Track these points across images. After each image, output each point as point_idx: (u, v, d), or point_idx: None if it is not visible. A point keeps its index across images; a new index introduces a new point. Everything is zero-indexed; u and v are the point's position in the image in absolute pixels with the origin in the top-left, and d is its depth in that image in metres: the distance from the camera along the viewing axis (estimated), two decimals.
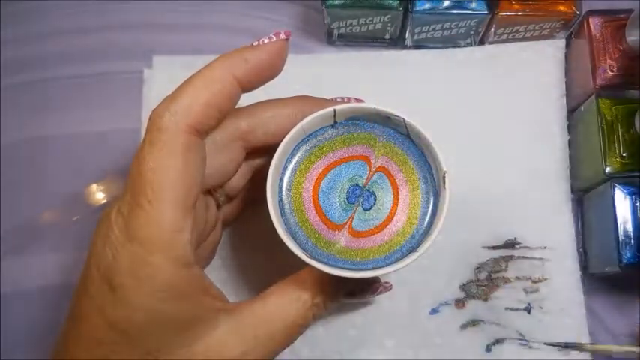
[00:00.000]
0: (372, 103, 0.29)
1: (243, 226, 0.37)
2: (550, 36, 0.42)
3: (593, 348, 0.36)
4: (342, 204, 0.29)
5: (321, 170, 0.30)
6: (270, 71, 0.27)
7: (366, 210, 0.29)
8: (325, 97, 0.32)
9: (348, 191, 0.29)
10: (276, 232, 0.27)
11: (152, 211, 0.23)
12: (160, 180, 0.23)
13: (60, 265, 0.40)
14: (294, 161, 0.30)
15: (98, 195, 0.41)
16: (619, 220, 0.35)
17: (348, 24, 0.41)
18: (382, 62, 0.42)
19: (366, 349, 0.37)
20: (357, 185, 0.29)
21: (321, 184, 0.30)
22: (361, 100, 0.33)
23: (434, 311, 0.37)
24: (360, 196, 0.29)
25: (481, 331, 0.37)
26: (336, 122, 0.30)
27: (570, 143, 0.40)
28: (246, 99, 0.28)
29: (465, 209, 0.38)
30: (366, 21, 0.40)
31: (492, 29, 0.41)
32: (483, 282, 0.38)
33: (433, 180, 0.29)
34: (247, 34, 0.43)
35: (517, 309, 0.37)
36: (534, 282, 0.38)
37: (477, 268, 0.38)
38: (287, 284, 0.28)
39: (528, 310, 0.37)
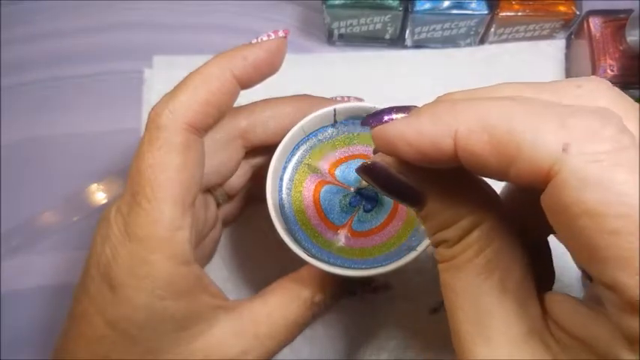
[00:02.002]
0: (372, 102, 0.29)
1: (243, 225, 0.37)
2: (550, 36, 0.42)
3: None
4: (342, 205, 0.29)
5: (325, 172, 0.30)
6: (268, 69, 0.27)
7: (367, 211, 0.29)
8: (325, 96, 0.32)
9: (351, 197, 0.29)
10: (276, 231, 0.27)
11: (151, 210, 0.23)
12: (159, 178, 0.23)
13: (60, 265, 0.39)
14: (294, 160, 0.30)
15: (98, 195, 0.41)
16: None
17: (348, 24, 0.41)
18: (382, 62, 0.42)
19: (367, 349, 0.37)
20: (360, 190, 0.29)
21: (324, 186, 0.30)
22: (361, 100, 0.33)
23: (434, 311, 0.37)
24: (363, 200, 0.29)
25: None
26: (336, 121, 0.30)
27: None
28: (245, 98, 0.28)
29: None
30: (366, 21, 0.40)
31: (492, 29, 0.41)
32: None
33: None
34: (247, 34, 0.43)
35: None
36: None
37: None
38: (287, 283, 0.28)
39: None
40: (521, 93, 0.17)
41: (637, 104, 0.17)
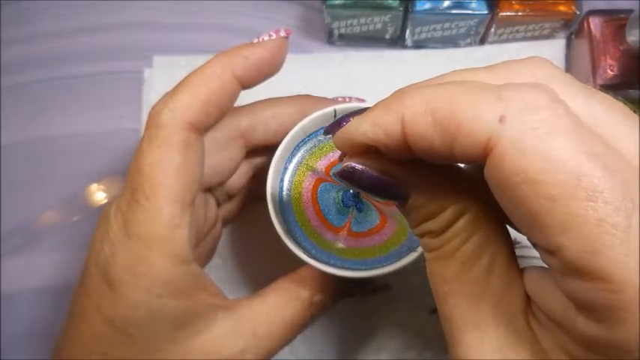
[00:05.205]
0: (373, 102, 0.29)
1: (243, 224, 0.37)
2: (550, 36, 0.42)
3: None
4: (337, 203, 0.29)
5: (321, 170, 0.30)
6: (269, 68, 0.27)
7: (360, 211, 0.29)
8: (326, 96, 0.32)
9: (343, 194, 0.29)
10: (275, 232, 0.27)
11: (150, 208, 0.23)
12: (158, 176, 0.23)
13: (60, 265, 0.39)
14: (294, 161, 0.30)
15: (98, 195, 0.41)
16: None
17: (348, 24, 0.41)
18: (382, 62, 0.42)
19: (367, 350, 0.37)
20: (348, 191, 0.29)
21: (320, 185, 0.30)
22: (362, 100, 0.33)
23: (434, 311, 0.37)
24: (355, 199, 0.29)
25: None
26: None
27: None
28: (246, 98, 0.28)
29: None
30: (366, 21, 0.40)
31: (492, 29, 0.41)
32: None
33: None
34: (247, 34, 0.43)
35: None
36: None
37: None
38: (286, 282, 0.28)
39: None
40: (467, 78, 0.18)
41: (569, 76, 0.17)
